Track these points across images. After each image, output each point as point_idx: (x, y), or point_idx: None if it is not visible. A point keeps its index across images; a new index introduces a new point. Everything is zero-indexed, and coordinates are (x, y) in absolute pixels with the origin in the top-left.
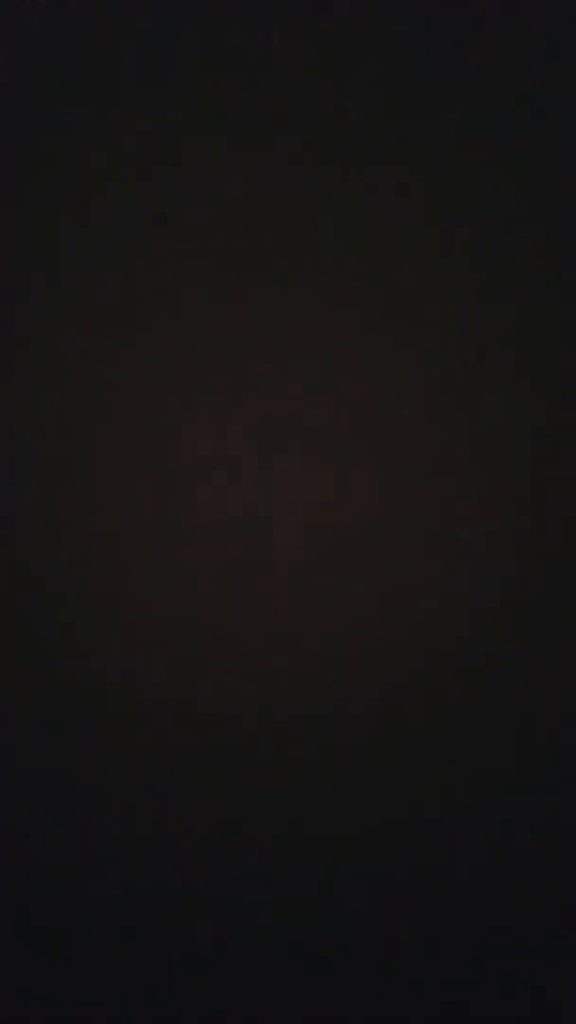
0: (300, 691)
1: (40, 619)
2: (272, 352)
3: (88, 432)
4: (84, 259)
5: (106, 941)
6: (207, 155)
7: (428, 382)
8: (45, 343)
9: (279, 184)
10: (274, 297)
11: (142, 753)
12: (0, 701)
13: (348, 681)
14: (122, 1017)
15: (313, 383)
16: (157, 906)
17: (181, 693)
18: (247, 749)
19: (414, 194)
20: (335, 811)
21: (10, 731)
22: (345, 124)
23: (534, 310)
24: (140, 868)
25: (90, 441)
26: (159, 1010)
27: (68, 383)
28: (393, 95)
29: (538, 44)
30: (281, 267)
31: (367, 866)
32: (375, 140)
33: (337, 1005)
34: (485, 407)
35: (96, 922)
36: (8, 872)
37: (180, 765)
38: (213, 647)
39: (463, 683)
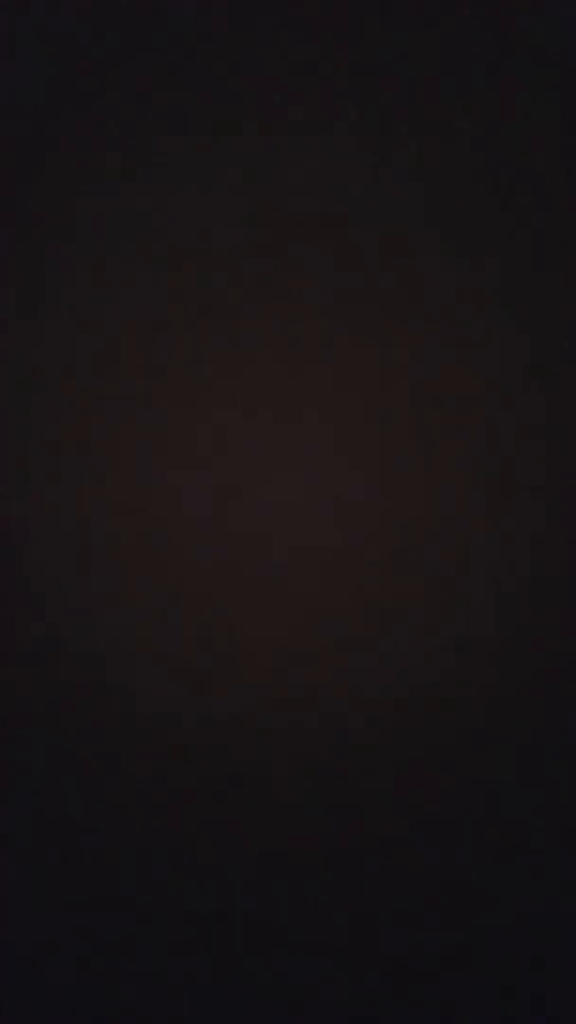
0: (300, 693)
1: (34, 624)
2: (271, 350)
3: (86, 433)
4: (82, 256)
5: (105, 957)
6: (206, 154)
7: (430, 384)
8: (44, 343)
9: (278, 174)
10: (273, 293)
11: (140, 763)
12: None
13: (348, 687)
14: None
15: (313, 384)
16: (155, 922)
17: (179, 695)
18: (246, 754)
19: (414, 189)
20: (335, 821)
21: (7, 738)
22: (344, 122)
23: (535, 302)
24: (138, 884)
25: (88, 442)
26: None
27: (66, 383)
28: (394, 94)
29: (537, 42)
30: (280, 263)
31: (364, 876)
32: (375, 138)
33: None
34: (489, 410)
35: (94, 937)
36: (7, 882)
37: (179, 774)
38: (211, 651)
39: (466, 690)
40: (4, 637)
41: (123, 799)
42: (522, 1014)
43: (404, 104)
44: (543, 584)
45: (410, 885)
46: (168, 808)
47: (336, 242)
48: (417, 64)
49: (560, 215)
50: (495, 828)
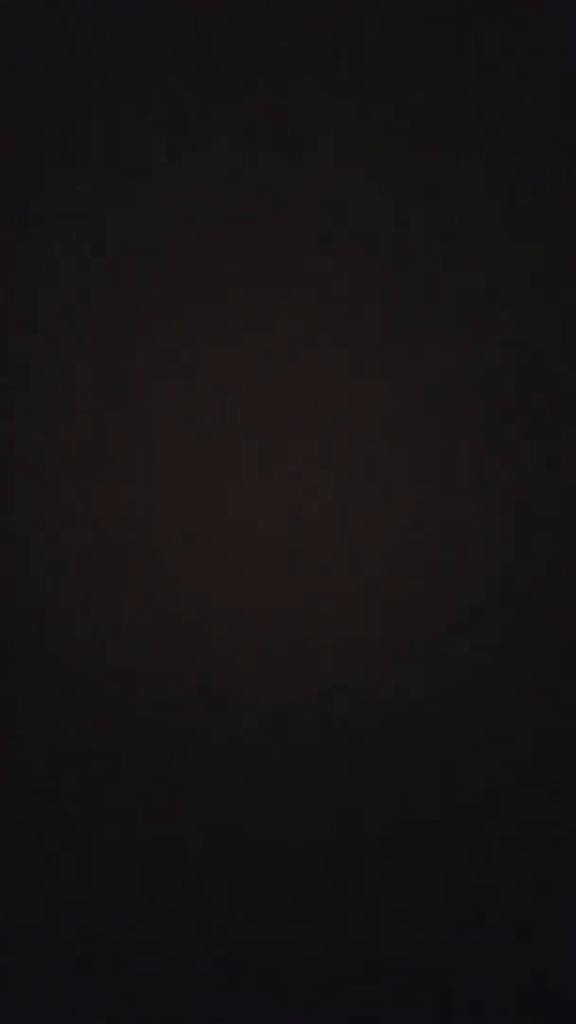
0: (300, 693)
1: (34, 624)
2: (271, 356)
3: (86, 434)
4: (81, 261)
5: (105, 946)
6: (206, 156)
7: (429, 388)
8: (43, 346)
9: (278, 182)
10: (273, 301)
11: (140, 762)
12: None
13: (346, 687)
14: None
15: (313, 388)
16: (154, 909)
17: (177, 696)
18: (246, 753)
19: (414, 191)
20: (334, 819)
21: (7, 732)
22: (344, 122)
23: (534, 312)
24: (137, 874)
25: (89, 442)
26: (158, 1014)
27: (66, 385)
28: (393, 95)
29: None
30: (280, 271)
31: (364, 875)
32: (374, 139)
33: (335, 1013)
34: (488, 411)
35: (94, 928)
36: (7, 876)
37: (179, 773)
38: (211, 651)
39: (462, 691)
40: (5, 636)
41: (122, 799)
42: (522, 1011)
43: (404, 105)
44: (543, 583)
45: (409, 883)
46: (167, 807)
47: (336, 246)
48: (417, 66)
49: (560, 218)
50: (495, 827)
